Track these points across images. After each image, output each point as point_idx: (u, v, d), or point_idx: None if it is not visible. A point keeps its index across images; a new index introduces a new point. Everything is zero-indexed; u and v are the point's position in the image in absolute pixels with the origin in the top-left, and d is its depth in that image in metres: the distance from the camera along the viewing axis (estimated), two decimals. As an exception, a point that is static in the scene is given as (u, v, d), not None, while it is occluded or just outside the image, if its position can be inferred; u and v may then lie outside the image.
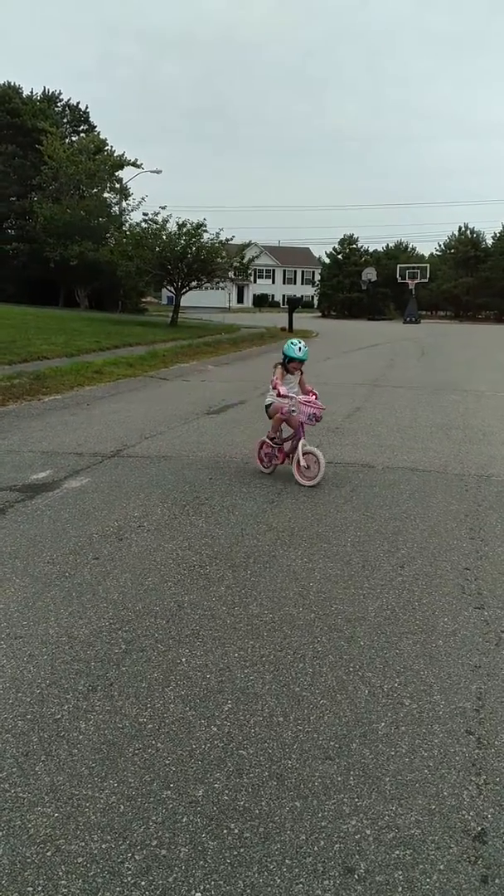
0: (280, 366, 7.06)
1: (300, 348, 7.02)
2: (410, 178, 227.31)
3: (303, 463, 6.75)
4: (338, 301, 71.98)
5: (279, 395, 6.86)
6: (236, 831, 2.38)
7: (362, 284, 63.94)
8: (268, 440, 7.14)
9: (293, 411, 6.89)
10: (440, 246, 77.42)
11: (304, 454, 6.77)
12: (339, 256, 74.09)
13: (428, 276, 61.54)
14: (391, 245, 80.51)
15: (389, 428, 9.83)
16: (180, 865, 2.23)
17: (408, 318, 53.83)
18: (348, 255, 73.18)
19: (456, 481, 7.07)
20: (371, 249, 77.02)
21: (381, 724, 3.01)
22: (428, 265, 64.81)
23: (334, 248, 75.32)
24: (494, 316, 68.13)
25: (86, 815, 2.43)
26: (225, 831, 2.38)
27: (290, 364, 7.07)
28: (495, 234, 69.83)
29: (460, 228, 73.35)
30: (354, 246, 74.45)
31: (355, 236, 75.06)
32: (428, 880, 2.21)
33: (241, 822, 2.42)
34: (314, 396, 6.97)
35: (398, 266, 63.53)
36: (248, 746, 2.83)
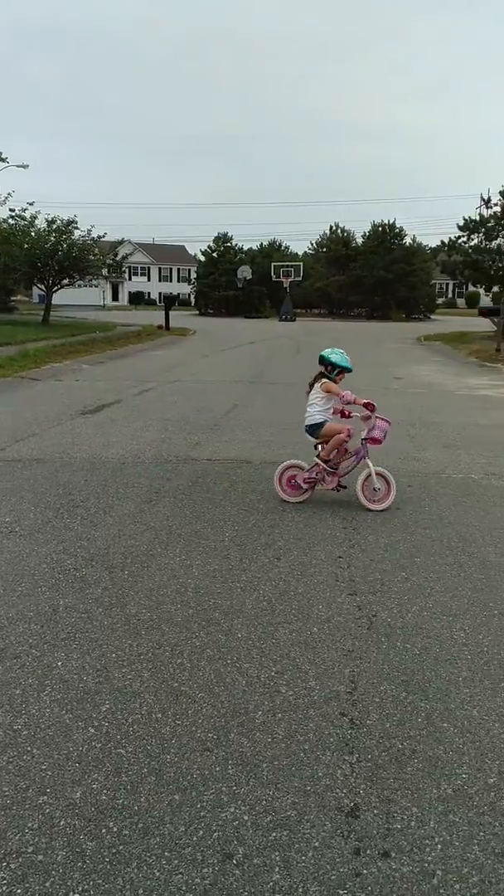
0: (326, 378, 6.38)
1: (344, 356, 6.48)
2: (284, 178, 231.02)
3: (377, 484, 6.13)
4: (214, 299, 72.10)
5: (354, 402, 6.19)
6: (115, 829, 2.37)
7: (238, 282, 64.43)
8: (322, 464, 6.24)
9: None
10: (312, 245, 79.19)
11: (376, 474, 6.15)
12: (214, 254, 74.30)
13: (301, 274, 62.72)
14: (265, 244, 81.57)
15: (267, 424, 9.98)
16: (57, 869, 2.20)
17: (283, 316, 54.65)
18: (223, 253, 73.44)
19: (329, 474, 7.28)
20: (246, 248, 77.69)
21: (259, 712, 3.08)
22: (301, 264, 66.05)
23: (209, 246, 75.46)
24: (366, 313, 70.34)
25: (-43, 830, 2.35)
26: (103, 831, 2.37)
27: (338, 376, 6.44)
28: (364, 233, 72.11)
29: (331, 227, 75.28)
30: (229, 244, 74.85)
31: (229, 234, 75.49)
32: (303, 858, 2.28)
33: (119, 819, 2.42)
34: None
35: (272, 264, 64.42)
36: (126, 745, 2.82)
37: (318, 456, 6.32)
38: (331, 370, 6.45)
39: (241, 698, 3.18)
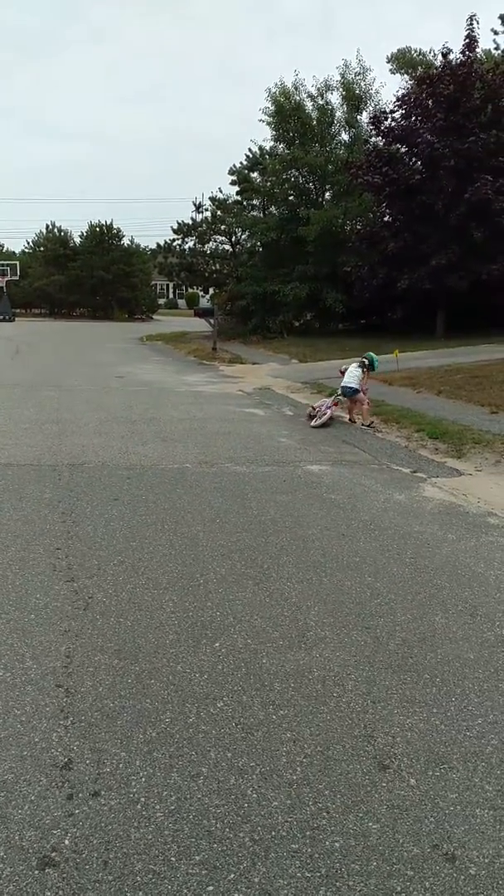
0: (365, 370, 11.15)
1: (377, 360, 11.55)
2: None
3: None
4: None
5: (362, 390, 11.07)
6: None
7: None
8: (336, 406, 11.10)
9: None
10: (29, 243, 76.87)
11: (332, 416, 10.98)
12: None
13: (18, 273, 60.73)
14: (-23, 241, 77.57)
15: (-17, 427, 9.76)
16: None
17: (1, 316, 52.63)
18: None
19: (49, 472, 7.38)
20: (-44, 245, 73.37)
21: (-24, 696, 3.21)
22: (18, 262, 63.91)
23: None
24: (89, 313, 69.93)
25: None
26: None
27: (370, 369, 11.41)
28: (82, 233, 71.52)
29: (48, 226, 73.66)
30: None
31: None
32: (19, 811, 2.50)
33: None
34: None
35: (-15, 263, 61.60)
36: None
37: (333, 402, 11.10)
38: (368, 364, 11.18)
39: (-43, 687, 3.29)
